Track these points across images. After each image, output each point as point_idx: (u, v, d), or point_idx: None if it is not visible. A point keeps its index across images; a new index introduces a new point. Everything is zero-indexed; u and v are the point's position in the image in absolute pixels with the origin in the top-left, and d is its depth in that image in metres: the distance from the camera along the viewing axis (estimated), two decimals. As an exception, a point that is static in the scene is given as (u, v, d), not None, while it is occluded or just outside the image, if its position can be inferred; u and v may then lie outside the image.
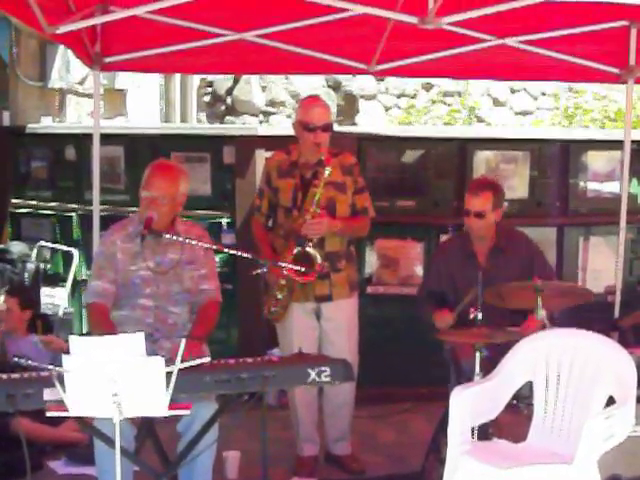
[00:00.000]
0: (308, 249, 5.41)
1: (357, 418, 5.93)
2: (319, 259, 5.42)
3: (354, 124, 11.98)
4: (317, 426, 5.85)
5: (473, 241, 5.60)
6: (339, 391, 5.61)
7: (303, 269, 5.23)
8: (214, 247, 5.15)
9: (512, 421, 4.83)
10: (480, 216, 5.47)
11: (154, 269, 4.90)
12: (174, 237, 4.82)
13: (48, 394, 3.82)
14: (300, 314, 5.60)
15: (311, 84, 12.17)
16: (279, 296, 5.50)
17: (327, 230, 5.46)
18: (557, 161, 7.46)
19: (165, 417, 3.76)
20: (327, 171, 5.39)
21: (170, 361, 3.61)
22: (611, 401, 4.32)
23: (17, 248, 7.90)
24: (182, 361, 3.63)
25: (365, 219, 5.73)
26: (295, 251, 5.41)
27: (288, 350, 5.48)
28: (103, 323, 4.74)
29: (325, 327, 5.67)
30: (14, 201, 8.48)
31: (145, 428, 4.57)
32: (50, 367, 3.68)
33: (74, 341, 3.53)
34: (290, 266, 5.24)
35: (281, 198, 5.62)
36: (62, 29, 5.02)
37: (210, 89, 13.00)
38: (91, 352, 3.47)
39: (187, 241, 4.85)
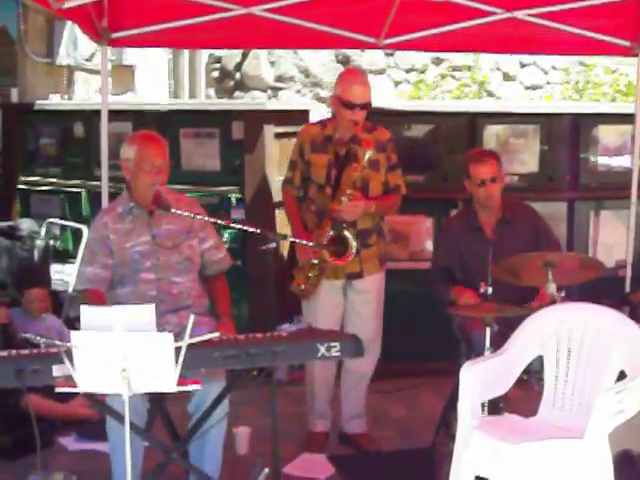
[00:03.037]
0: (345, 233, 5.39)
1: (367, 394, 5.92)
2: (354, 245, 5.40)
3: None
4: (330, 403, 5.85)
5: (479, 214, 5.59)
6: (361, 364, 5.62)
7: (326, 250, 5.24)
8: (223, 222, 5.12)
9: (523, 396, 4.82)
10: (496, 181, 5.48)
11: (151, 242, 4.86)
12: (182, 212, 4.77)
13: (57, 370, 3.82)
14: (328, 292, 5.57)
15: (320, 59, 12.16)
16: (310, 274, 5.48)
17: (363, 213, 5.43)
18: (567, 135, 7.41)
19: (176, 395, 3.76)
20: (367, 154, 5.32)
21: (178, 336, 3.60)
22: (622, 376, 4.31)
23: (26, 225, 7.89)
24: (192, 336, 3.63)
25: (397, 197, 5.67)
26: (332, 233, 5.38)
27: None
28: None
29: (353, 299, 5.65)
30: (23, 178, 8.47)
31: (155, 404, 4.57)
32: (58, 343, 3.68)
33: (85, 311, 3.53)
34: (308, 243, 5.22)
35: (313, 173, 5.56)
36: (68, 4, 5.02)
37: (219, 65, 12.98)
38: (101, 324, 3.46)
39: (194, 216, 4.82)
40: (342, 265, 5.49)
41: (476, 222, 5.60)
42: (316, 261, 5.44)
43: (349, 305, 5.66)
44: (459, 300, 5.32)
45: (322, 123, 5.68)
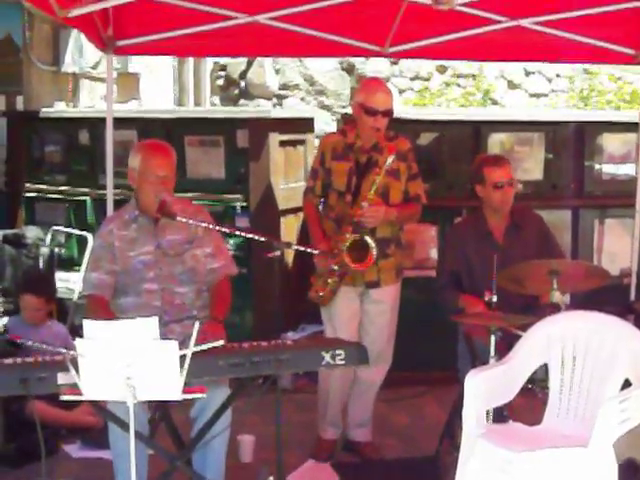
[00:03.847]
0: (366, 237, 5.37)
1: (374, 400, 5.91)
2: (374, 250, 5.37)
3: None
4: (343, 411, 5.84)
5: (489, 220, 5.58)
6: (372, 373, 5.65)
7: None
8: (227, 230, 5.12)
9: (527, 404, 4.82)
10: (512, 185, 5.49)
11: (154, 252, 4.85)
12: (185, 220, 4.74)
13: (62, 378, 3.83)
14: (345, 299, 5.56)
15: (325, 67, 12.15)
16: (329, 281, 5.45)
17: (383, 219, 5.42)
18: (572, 143, 7.41)
19: (179, 401, 3.76)
20: (389, 159, 5.31)
21: (183, 344, 3.60)
22: (627, 384, 4.30)
23: (32, 232, 7.91)
24: (199, 344, 3.63)
25: (417, 206, 5.68)
26: (354, 237, 5.36)
27: (331, 335, 5.55)
28: (102, 313, 4.65)
29: (368, 309, 5.65)
30: (28, 186, 8.48)
31: (160, 412, 4.57)
32: (64, 351, 3.68)
33: (88, 325, 3.53)
34: (313, 251, 5.17)
35: (334, 181, 5.55)
36: (74, 12, 5.01)
37: (224, 73, 12.97)
38: (105, 336, 3.47)
39: (199, 224, 4.80)
40: (361, 271, 5.48)
41: (486, 227, 5.58)
42: (336, 267, 5.41)
43: (364, 314, 5.66)
44: (467, 309, 5.28)
45: (342, 132, 5.70)
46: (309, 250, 5.14)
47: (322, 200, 5.69)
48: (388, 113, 5.46)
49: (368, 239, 5.37)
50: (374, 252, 5.38)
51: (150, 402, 4.36)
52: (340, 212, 5.51)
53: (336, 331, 5.51)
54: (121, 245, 4.85)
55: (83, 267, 7.80)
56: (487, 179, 5.49)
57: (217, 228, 4.91)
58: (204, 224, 4.82)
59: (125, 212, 4.96)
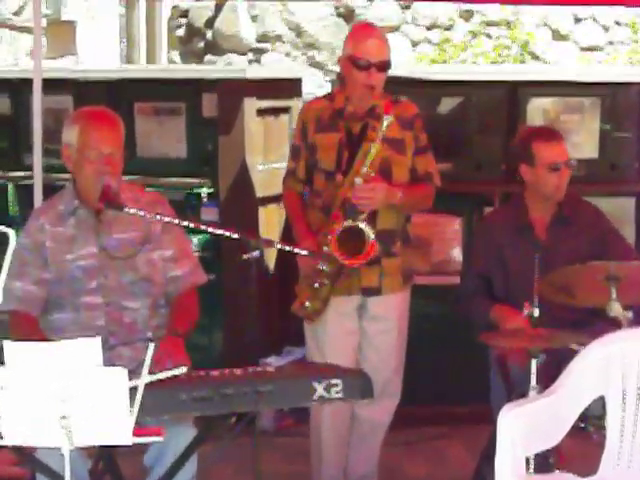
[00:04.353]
0: (360, 224, 5.29)
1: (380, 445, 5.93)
2: (372, 237, 5.29)
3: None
4: (343, 460, 5.80)
5: (530, 210, 5.59)
6: (376, 411, 5.64)
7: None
8: (190, 225, 5.11)
9: (579, 449, 4.83)
10: (570, 166, 5.51)
11: (98, 255, 4.84)
12: (137, 211, 4.72)
13: (-24, 418, 3.83)
14: (338, 314, 5.51)
15: (315, 12, 12.19)
16: (316, 284, 5.38)
17: (384, 200, 5.34)
18: (636, 111, 7.43)
19: (130, 447, 3.76)
20: (386, 121, 5.25)
21: (134, 373, 3.60)
22: None
23: None
24: (152, 372, 3.63)
25: (429, 187, 5.63)
26: (345, 224, 5.28)
27: (318, 361, 5.49)
28: (29, 334, 4.61)
29: (368, 328, 5.62)
30: None
31: (103, 461, 4.57)
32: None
33: (10, 348, 3.52)
34: (301, 252, 5.12)
35: (320, 158, 5.52)
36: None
37: (184, 20, 13.01)
38: (32, 363, 3.46)
39: (158, 217, 4.79)
40: (357, 272, 5.43)
41: (526, 219, 5.59)
42: (324, 266, 5.32)
43: (363, 336, 5.63)
44: (503, 325, 5.27)
45: (329, 96, 5.70)
46: (296, 250, 5.12)
47: (307, 186, 5.67)
48: (384, 66, 5.42)
49: (363, 225, 5.28)
50: (372, 242, 5.28)
51: (92, 448, 4.36)
52: (329, 198, 5.44)
53: (325, 357, 5.43)
54: (55, 246, 4.84)
55: (3, 274, 7.80)
56: (538, 158, 5.48)
57: (179, 223, 4.90)
58: (165, 218, 4.81)
59: (60, 202, 4.95)
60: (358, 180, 5.27)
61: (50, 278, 4.82)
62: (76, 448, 3.58)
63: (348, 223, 5.29)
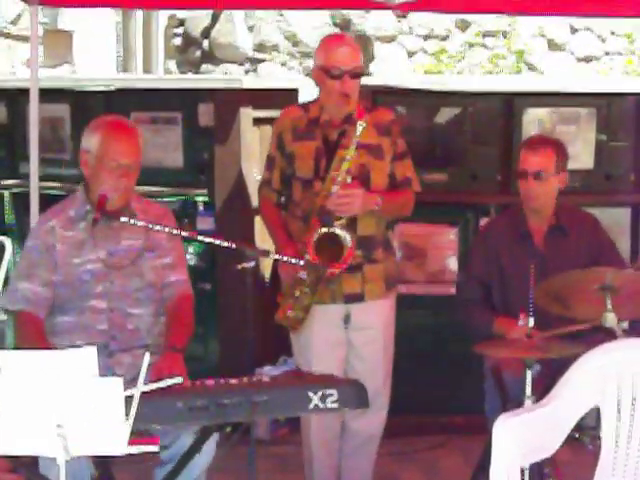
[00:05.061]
0: (336, 230, 5.29)
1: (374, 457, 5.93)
2: (349, 242, 5.29)
3: (368, 74, 11.98)
4: (336, 472, 5.78)
5: (528, 217, 5.59)
6: (366, 423, 5.62)
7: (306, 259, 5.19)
8: (185, 234, 5.12)
9: (574, 460, 4.83)
10: (539, 178, 5.47)
11: (106, 261, 4.87)
12: (132, 221, 4.75)
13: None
14: (324, 323, 5.50)
15: (312, 22, 12.20)
16: (297, 293, 5.39)
17: (362, 207, 5.35)
18: (632, 121, 7.43)
19: (126, 456, 3.75)
20: (360, 127, 5.25)
21: (131, 382, 3.60)
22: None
23: None
24: (151, 381, 3.63)
25: (408, 193, 5.65)
26: (320, 232, 5.29)
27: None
28: (35, 338, 4.67)
29: (353, 338, 5.60)
30: None
31: (99, 470, 4.56)
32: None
33: (5, 357, 3.52)
34: (291, 260, 5.12)
35: (298, 167, 5.52)
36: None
37: (181, 30, 13.02)
38: (27, 372, 3.46)
39: (150, 227, 4.80)
40: (339, 279, 5.41)
41: (524, 227, 5.60)
42: (303, 274, 5.34)
43: (349, 347, 5.61)
44: (507, 336, 5.24)
45: (304, 105, 5.70)
46: (293, 261, 5.12)
47: (284, 196, 5.66)
48: (357, 72, 5.43)
49: (339, 230, 5.28)
50: (350, 248, 5.29)
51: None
52: (308, 207, 5.44)
53: (312, 368, 5.38)
54: (64, 249, 4.86)
55: (0, 282, 7.80)
56: (522, 166, 5.52)
57: (180, 233, 4.97)
58: (165, 229, 4.83)
59: (71, 206, 4.98)
60: (335, 187, 5.29)
61: (58, 281, 4.83)
62: (74, 458, 3.57)
63: (324, 230, 5.31)
